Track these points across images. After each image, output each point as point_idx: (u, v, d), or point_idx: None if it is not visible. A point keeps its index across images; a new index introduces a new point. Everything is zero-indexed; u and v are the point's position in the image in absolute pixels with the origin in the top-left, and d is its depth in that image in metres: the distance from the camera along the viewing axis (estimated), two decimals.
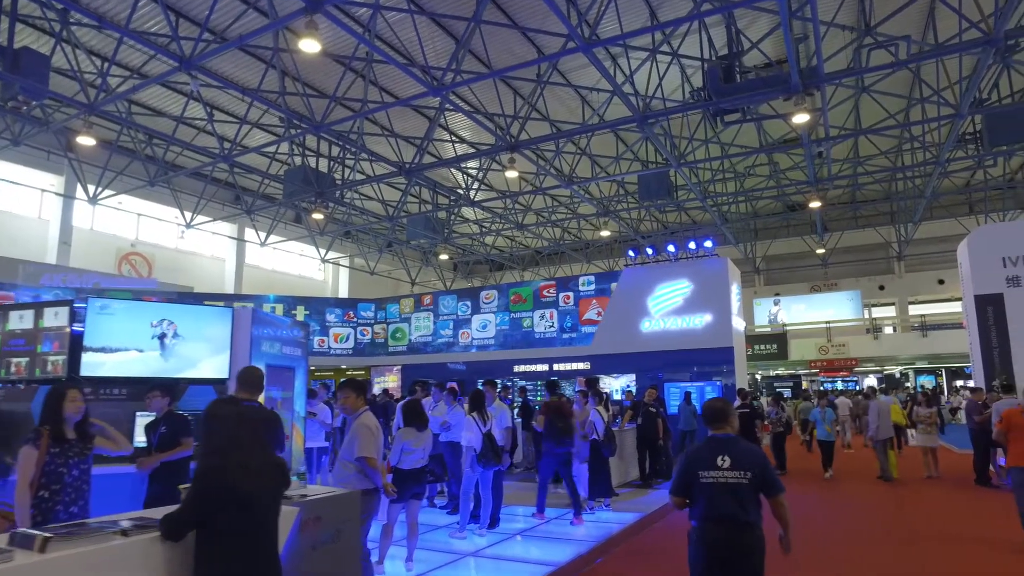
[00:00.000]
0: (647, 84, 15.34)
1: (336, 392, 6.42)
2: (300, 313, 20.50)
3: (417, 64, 13.63)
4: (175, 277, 21.82)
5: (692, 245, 16.41)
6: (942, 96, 15.02)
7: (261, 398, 4.91)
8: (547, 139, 16.74)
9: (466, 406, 7.68)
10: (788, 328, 29.49)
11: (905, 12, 12.94)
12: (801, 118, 12.10)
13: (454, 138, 18.74)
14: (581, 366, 16.36)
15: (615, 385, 16.02)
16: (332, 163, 19.09)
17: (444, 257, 30.84)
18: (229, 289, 24.11)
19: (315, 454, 8.61)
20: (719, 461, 3.50)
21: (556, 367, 17.09)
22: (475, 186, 21.05)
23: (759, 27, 13.64)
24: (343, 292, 30.11)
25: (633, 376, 15.86)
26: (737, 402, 12.82)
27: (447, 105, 14.98)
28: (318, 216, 19.66)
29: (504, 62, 14.29)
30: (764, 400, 21.74)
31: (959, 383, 29.57)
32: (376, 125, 17.84)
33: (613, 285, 17.00)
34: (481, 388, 7.85)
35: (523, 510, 8.80)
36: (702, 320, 15.53)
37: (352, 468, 4.69)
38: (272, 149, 17.82)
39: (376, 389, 18.88)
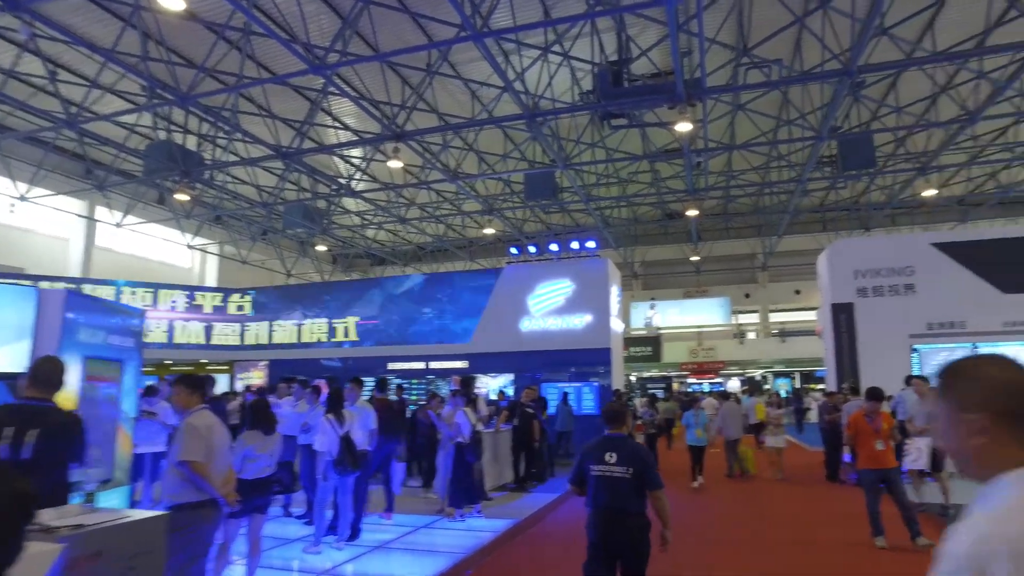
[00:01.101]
0: (537, 83, 15.27)
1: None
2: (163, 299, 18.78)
3: (299, 41, 12.68)
4: (2, 256, 19.22)
5: (575, 245, 16.50)
6: (806, 119, 16.06)
7: (68, 397, 4.11)
8: (434, 131, 16.26)
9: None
10: (662, 331, 30.78)
11: (779, 37, 13.65)
12: (684, 126, 12.43)
13: (337, 124, 17.78)
14: (459, 365, 15.98)
15: (493, 385, 15.78)
16: (202, 141, 17.53)
17: (322, 249, 29.43)
18: (75, 272, 21.60)
19: (148, 459, 7.59)
20: (607, 457, 3.98)
21: (433, 365, 16.61)
22: (357, 176, 20.14)
23: (648, 37, 13.89)
24: (211, 281, 27.96)
25: (512, 376, 15.70)
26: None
27: (331, 88, 14.12)
28: (183, 197, 17.96)
29: (393, 47, 13.65)
30: (638, 401, 22.40)
31: (819, 386, 32.02)
32: (252, 103, 16.54)
33: (494, 283, 16.73)
34: (344, 386, 7.25)
35: (395, 517, 8.32)
36: (582, 320, 15.64)
37: (177, 474, 4.04)
38: (131, 119, 16.06)
39: (239, 385, 17.53)
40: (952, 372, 1.36)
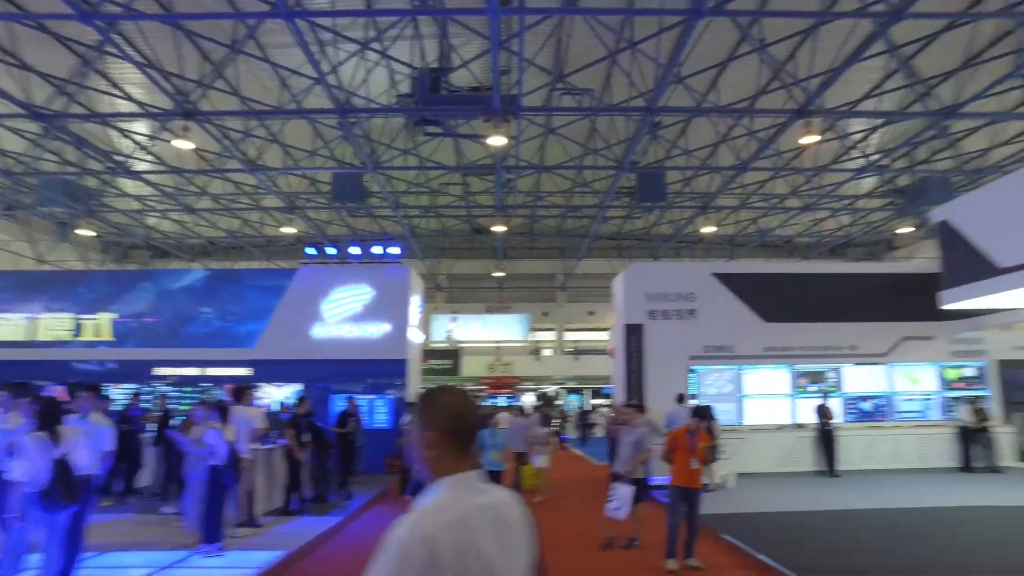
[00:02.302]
0: (352, 79, 14.47)
1: None
2: None
3: None
4: None
5: (378, 249, 15.72)
6: (611, 150, 17.05)
7: None
8: (234, 115, 14.76)
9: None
10: (463, 345, 30.94)
11: (592, 69, 14.30)
12: (498, 140, 12.42)
13: (117, 91, 15.31)
14: (241, 372, 14.40)
15: (277, 395, 14.43)
16: None
17: (89, 233, 25.40)
18: None
19: None
20: None
21: (210, 372, 14.77)
22: (139, 154, 17.61)
23: (470, 49, 13.77)
24: None
25: (300, 386, 14.50)
26: (407, 417, 12.45)
27: (108, 47, 12.12)
28: None
29: (190, 11, 12.06)
30: None
31: (614, 401, 34.09)
32: None
33: (287, 284, 15.36)
34: (80, 395, 5.92)
35: (137, 555, 7.00)
36: (380, 329, 14.94)
37: None
38: None
39: None
40: (422, 398, 1.74)
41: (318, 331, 14.93)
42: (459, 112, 12.78)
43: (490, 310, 32.37)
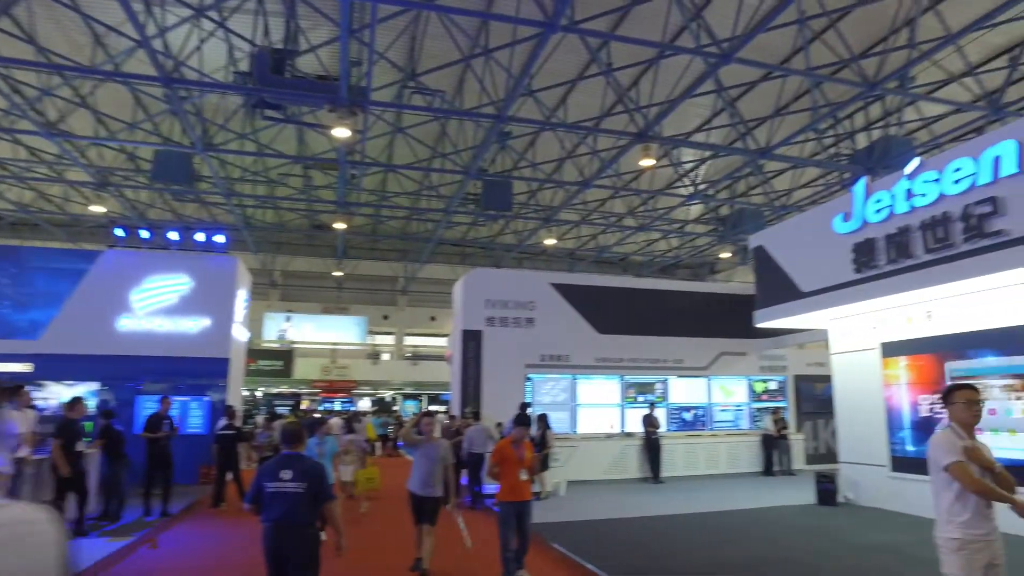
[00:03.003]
0: (182, 47, 13.12)
1: None
2: None
3: None
4: None
5: (201, 236, 14.23)
6: (460, 155, 16.98)
7: None
8: (26, 66, 12.76)
9: None
10: (296, 346, 29.32)
11: (446, 71, 14.16)
12: (342, 132, 11.82)
13: None
14: (18, 368, 12.30)
15: (65, 395, 12.51)
16: None
17: None
18: None
19: None
20: (283, 474, 4.31)
21: None
22: None
23: (319, 34, 13.04)
24: None
25: (98, 385, 12.75)
26: (223, 422, 11.38)
27: None
28: None
29: None
30: (259, 419, 20.61)
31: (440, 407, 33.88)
32: None
33: (87, 268, 13.42)
34: None
35: None
36: (198, 324, 13.56)
37: None
38: None
39: None
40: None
41: (125, 323, 13.22)
42: (303, 98, 11.98)
43: (327, 311, 31.01)
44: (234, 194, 20.05)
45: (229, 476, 11.15)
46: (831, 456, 16.68)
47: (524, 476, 6.56)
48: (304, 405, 33.15)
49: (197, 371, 13.37)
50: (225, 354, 13.69)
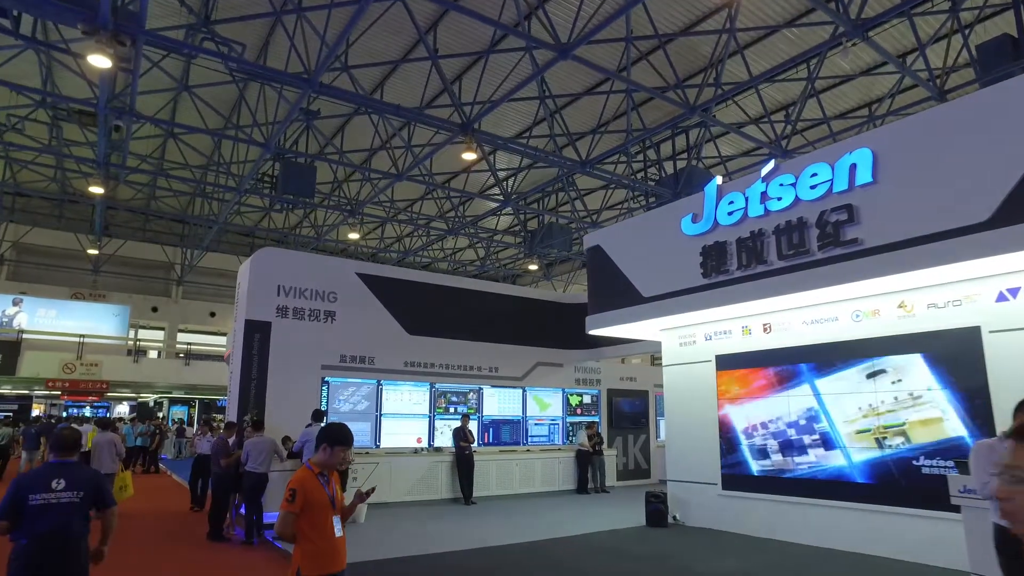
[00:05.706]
0: None
1: None
2: None
3: None
4: None
5: None
6: (260, 129, 14.81)
7: None
8: None
9: None
10: (28, 336, 23.98)
11: (250, 25, 12.21)
12: (100, 62, 9.36)
13: None
14: None
15: None
16: None
17: None
18: None
19: None
20: (54, 484, 3.92)
21: None
22: None
23: None
24: None
25: None
26: None
27: None
28: None
29: None
30: None
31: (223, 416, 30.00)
32: None
33: None
34: None
35: None
36: None
37: None
38: None
39: None
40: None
41: None
42: (46, 6, 9.16)
43: (77, 296, 26.08)
44: None
45: None
46: (641, 472, 17.11)
47: (340, 531, 3.73)
48: (38, 410, 27.76)
49: None
50: None
